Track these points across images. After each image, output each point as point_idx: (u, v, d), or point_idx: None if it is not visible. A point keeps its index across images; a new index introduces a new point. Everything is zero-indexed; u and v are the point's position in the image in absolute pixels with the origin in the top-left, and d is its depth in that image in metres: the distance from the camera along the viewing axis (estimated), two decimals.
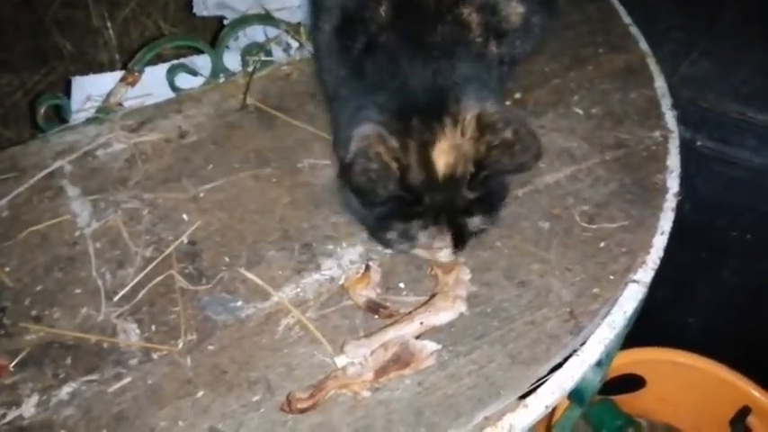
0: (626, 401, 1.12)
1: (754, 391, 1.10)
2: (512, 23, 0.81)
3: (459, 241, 0.72)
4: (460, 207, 0.71)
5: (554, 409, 0.81)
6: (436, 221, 0.71)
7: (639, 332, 0.80)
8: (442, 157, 0.69)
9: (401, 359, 0.65)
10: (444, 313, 0.68)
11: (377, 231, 0.74)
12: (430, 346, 0.66)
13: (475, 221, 0.72)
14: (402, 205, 0.70)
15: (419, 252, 0.74)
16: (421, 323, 0.67)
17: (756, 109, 1.06)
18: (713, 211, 1.15)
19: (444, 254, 0.72)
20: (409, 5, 0.76)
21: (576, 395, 0.77)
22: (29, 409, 0.65)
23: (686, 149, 0.86)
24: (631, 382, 1.18)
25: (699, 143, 1.10)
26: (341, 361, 0.65)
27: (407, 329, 0.67)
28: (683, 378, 1.14)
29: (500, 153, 0.68)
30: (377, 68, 0.74)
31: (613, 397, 1.11)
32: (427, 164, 0.69)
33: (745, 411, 1.11)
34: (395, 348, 0.65)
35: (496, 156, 0.68)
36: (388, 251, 0.76)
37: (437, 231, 0.71)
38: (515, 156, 0.68)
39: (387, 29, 0.75)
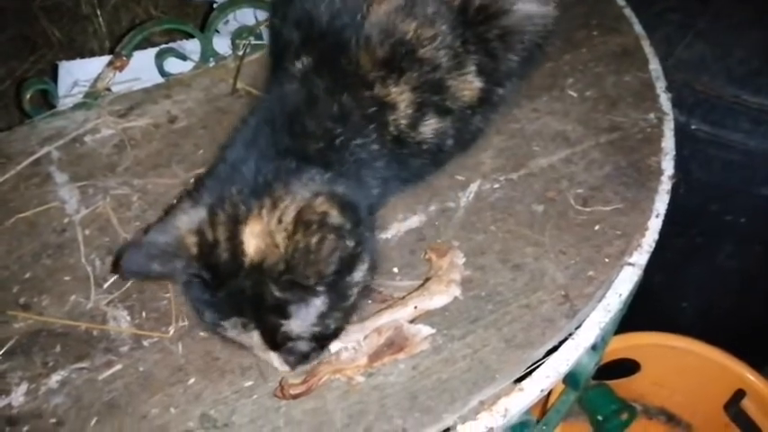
0: (620, 386, 1.12)
1: (749, 375, 1.10)
2: (462, 101, 0.72)
3: (273, 344, 0.63)
4: (270, 304, 0.61)
5: (549, 394, 0.80)
6: (240, 313, 0.62)
7: (633, 317, 0.80)
8: (252, 241, 0.61)
9: (395, 344, 0.64)
10: (438, 297, 0.68)
11: (198, 313, 0.66)
12: (424, 330, 0.65)
13: (292, 325, 0.62)
14: (203, 287, 0.62)
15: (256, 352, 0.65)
16: (415, 307, 0.67)
17: (751, 92, 1.06)
18: (707, 195, 1.14)
19: (275, 360, 0.63)
20: (329, 66, 0.69)
21: (571, 379, 0.77)
22: (18, 397, 0.64)
23: (680, 133, 0.86)
24: (626, 367, 1.18)
25: (693, 126, 1.09)
26: (334, 346, 0.65)
27: (401, 314, 0.66)
28: (678, 362, 1.14)
29: (300, 258, 0.59)
30: (249, 124, 0.69)
31: (608, 382, 1.10)
32: (235, 244, 0.61)
33: (739, 395, 1.11)
34: (389, 333, 0.65)
35: (296, 260, 0.59)
36: (382, 236, 0.75)
37: (241, 324, 0.62)
38: (308, 265, 0.58)
39: (296, 83, 0.69)
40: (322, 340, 0.64)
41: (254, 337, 0.63)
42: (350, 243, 0.60)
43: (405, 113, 0.69)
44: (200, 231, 0.62)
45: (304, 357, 0.64)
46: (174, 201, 0.79)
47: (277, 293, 0.60)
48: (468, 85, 0.72)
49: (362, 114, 0.68)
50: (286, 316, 0.61)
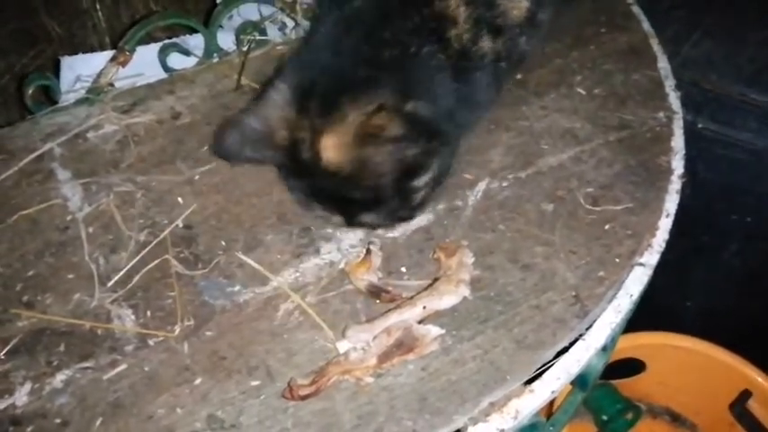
0: (626, 386, 1.11)
1: (755, 375, 1.10)
2: (511, 19, 0.76)
3: (351, 225, 0.72)
4: (347, 199, 0.69)
5: None
6: (322, 201, 0.71)
7: (638, 316, 0.79)
8: (326, 152, 0.66)
9: (404, 344, 0.63)
10: (447, 297, 0.67)
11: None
12: (433, 330, 0.64)
13: (366, 218, 0.71)
14: (289, 174, 0.71)
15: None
16: (424, 308, 0.66)
17: (759, 91, 1.06)
18: (714, 194, 1.14)
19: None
20: None
21: (579, 380, 0.76)
22: (21, 397, 0.63)
23: (688, 132, 0.85)
24: (631, 367, 1.17)
25: (700, 125, 1.09)
26: (343, 346, 0.64)
27: (410, 314, 0.65)
28: (684, 362, 1.14)
29: (358, 169, 0.65)
30: (328, 26, 0.73)
31: (613, 381, 1.10)
32: (315, 149, 0.67)
33: (745, 395, 1.11)
34: (398, 333, 0.64)
35: (356, 170, 0.66)
36: (389, 235, 0.75)
37: (323, 209, 0.71)
38: (368, 175, 0.66)
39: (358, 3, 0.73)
40: (393, 223, 0.73)
41: (335, 218, 0.71)
42: (411, 151, 0.65)
43: (464, 27, 0.73)
44: (290, 127, 0.67)
45: (374, 227, 0.73)
46: (179, 198, 0.78)
47: (351, 194, 0.68)
48: (518, 4, 0.76)
49: (430, 28, 0.71)
50: (361, 209, 0.70)
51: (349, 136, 0.66)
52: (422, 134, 0.66)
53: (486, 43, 0.74)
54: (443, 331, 0.65)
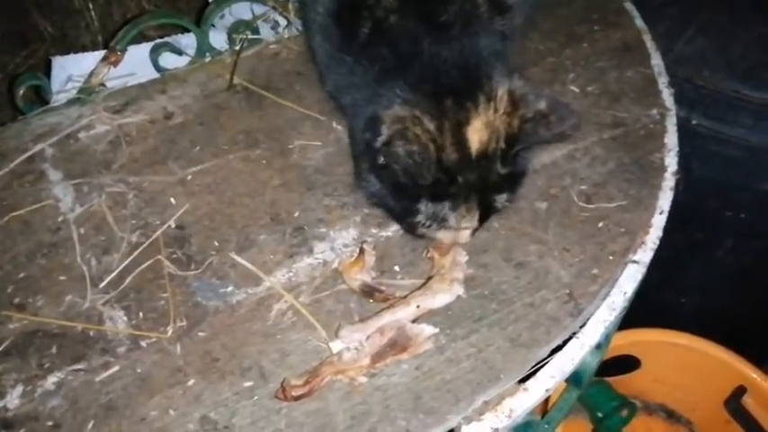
0: (621, 383, 1.11)
1: (750, 371, 1.10)
2: None
3: (485, 219, 0.71)
4: (491, 184, 0.69)
5: None
6: (467, 200, 0.69)
7: (632, 312, 0.79)
8: (476, 136, 0.67)
9: (398, 344, 0.63)
10: (441, 296, 0.67)
11: (404, 217, 0.72)
12: (427, 329, 0.64)
13: (502, 198, 0.71)
14: (436, 187, 0.68)
15: (441, 236, 0.71)
16: (417, 306, 0.66)
17: (752, 87, 1.05)
18: (708, 191, 1.14)
19: (466, 235, 0.71)
20: None
21: (574, 378, 0.76)
22: (13, 400, 0.63)
23: (681, 128, 0.85)
24: (626, 364, 1.17)
25: (694, 122, 1.08)
26: (336, 346, 0.63)
27: (404, 313, 0.65)
28: (679, 359, 1.14)
29: (535, 125, 0.67)
30: (394, 52, 0.71)
31: (608, 378, 1.10)
32: (461, 143, 0.67)
33: (740, 391, 1.11)
34: (391, 333, 0.63)
35: (531, 128, 0.67)
36: (383, 234, 0.74)
37: (467, 211, 0.69)
38: (552, 126, 0.67)
39: (395, 11, 0.72)
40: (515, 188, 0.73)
41: (474, 218, 0.70)
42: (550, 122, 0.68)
43: (484, 8, 0.75)
44: (434, 138, 0.67)
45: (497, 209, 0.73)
46: (171, 199, 0.77)
47: (500, 170, 0.69)
48: None
49: (482, 21, 0.74)
50: (502, 190, 0.70)
51: (499, 111, 0.68)
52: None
53: (497, 24, 0.76)
54: (437, 330, 0.65)
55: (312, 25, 0.83)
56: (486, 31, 0.73)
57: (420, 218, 0.70)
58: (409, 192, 0.69)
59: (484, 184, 0.69)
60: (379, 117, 0.68)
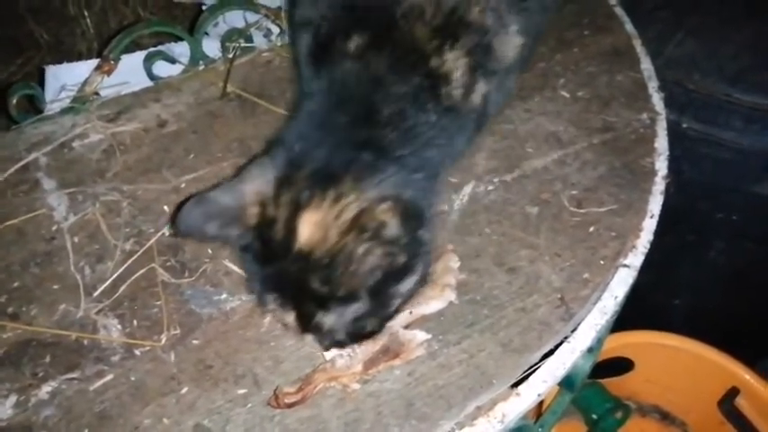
0: (614, 384, 1.12)
1: (743, 373, 1.10)
2: (505, 61, 0.74)
3: (305, 329, 0.63)
4: (309, 293, 0.61)
5: None
6: (281, 292, 0.62)
7: (625, 315, 0.80)
8: (307, 229, 0.60)
9: (390, 350, 0.64)
10: (433, 302, 0.67)
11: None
12: (419, 335, 0.65)
13: (328, 319, 0.61)
14: (253, 257, 0.63)
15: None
16: (410, 312, 0.66)
17: (742, 90, 1.06)
18: (699, 193, 1.15)
19: (309, 339, 0.64)
20: (385, 42, 0.68)
21: (566, 381, 0.76)
22: (6, 410, 0.63)
23: (672, 132, 0.85)
24: (619, 365, 1.18)
25: (685, 125, 1.09)
26: (329, 353, 0.64)
27: (396, 319, 0.65)
28: (672, 360, 1.14)
29: (343, 262, 0.58)
30: (317, 98, 0.68)
31: (602, 380, 1.11)
32: (291, 227, 0.61)
33: (733, 393, 1.11)
34: (384, 339, 0.64)
35: (339, 263, 0.58)
36: None
37: (280, 303, 0.63)
38: (349, 274, 0.58)
39: (352, 63, 0.68)
40: (356, 338, 0.63)
41: (290, 317, 0.63)
42: (401, 258, 0.59)
43: (459, 82, 0.69)
44: (264, 204, 0.62)
45: (338, 344, 0.64)
46: (165, 207, 0.78)
47: (317, 286, 0.60)
48: (512, 43, 0.73)
49: (423, 88, 0.67)
50: (323, 308, 0.61)
51: (340, 220, 0.60)
52: (414, 231, 0.61)
53: (478, 93, 0.71)
54: (429, 336, 0.65)
55: (299, 52, 0.80)
56: (427, 119, 0.67)
57: (254, 287, 0.65)
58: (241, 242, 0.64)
59: (300, 286, 0.61)
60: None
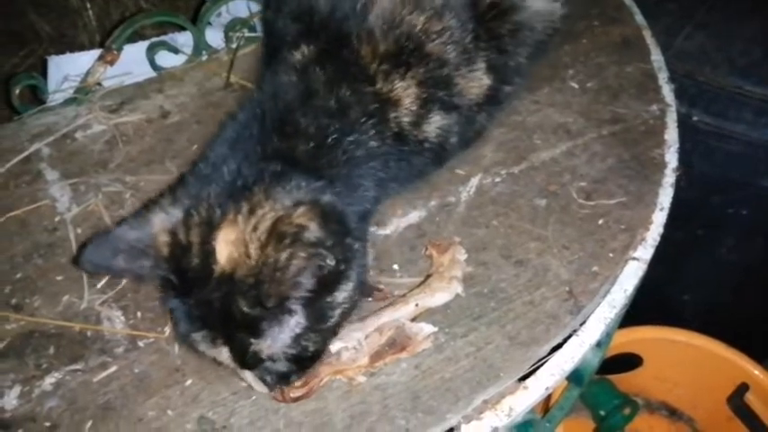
0: (623, 380, 1.11)
1: (752, 369, 1.09)
2: (469, 98, 0.71)
3: (243, 363, 0.58)
4: (240, 320, 0.56)
5: None
6: (208, 326, 0.57)
7: (634, 311, 0.79)
8: (225, 249, 0.56)
9: (397, 343, 0.63)
10: (440, 294, 0.66)
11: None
12: (426, 328, 0.64)
13: (264, 345, 0.57)
14: (172, 291, 0.59)
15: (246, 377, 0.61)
16: (416, 305, 0.65)
17: (753, 82, 1.05)
18: (709, 187, 1.13)
19: (249, 378, 0.60)
20: (331, 59, 0.66)
21: (575, 376, 0.75)
22: (11, 401, 0.63)
23: (682, 125, 0.84)
24: (628, 361, 1.17)
25: (695, 118, 1.08)
26: (334, 346, 0.63)
27: (402, 312, 0.65)
28: (681, 356, 1.13)
29: (266, 274, 0.54)
30: (236, 119, 0.65)
31: (610, 376, 1.10)
32: (207, 250, 0.56)
33: (743, 388, 1.10)
34: (390, 332, 0.63)
35: (264, 275, 0.54)
36: (381, 232, 0.74)
37: (211, 338, 0.58)
38: (276, 283, 0.53)
39: (291, 75, 0.66)
40: (300, 362, 0.59)
41: (224, 354, 0.58)
42: (329, 261, 0.54)
43: (408, 110, 0.67)
44: (173, 232, 0.58)
45: (283, 377, 0.59)
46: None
47: (246, 309, 0.55)
48: (478, 82, 0.70)
49: (362, 110, 0.65)
50: (256, 334, 0.56)
51: (257, 231, 0.55)
52: (340, 235, 0.57)
53: (433, 125, 0.68)
54: (436, 329, 0.65)
55: None
56: (306, 140, 0.62)
57: (180, 327, 0.60)
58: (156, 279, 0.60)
59: (228, 315, 0.56)
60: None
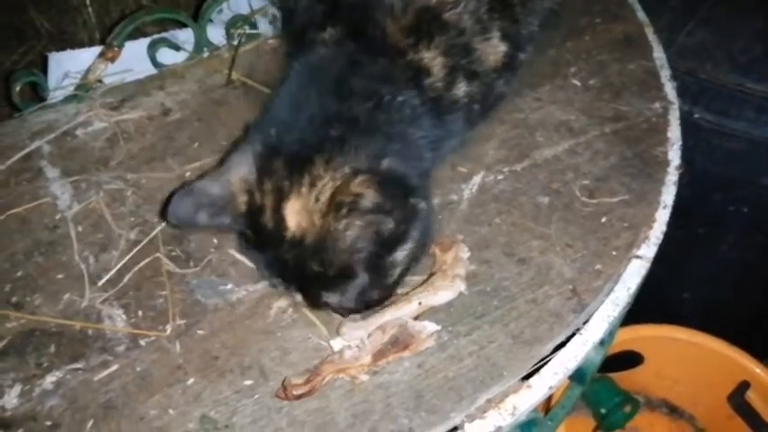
0: (624, 378, 1.11)
1: (753, 367, 1.09)
2: (488, 64, 0.73)
3: (315, 306, 0.65)
4: (311, 278, 0.62)
5: None
6: (284, 278, 0.64)
7: (635, 309, 0.79)
8: (293, 217, 0.61)
9: (399, 341, 0.63)
10: (443, 293, 0.66)
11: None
12: (429, 327, 0.63)
13: (332, 298, 0.63)
14: (249, 243, 0.64)
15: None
16: (419, 304, 0.65)
17: (755, 80, 1.04)
18: (710, 185, 1.13)
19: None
20: (361, 35, 0.69)
21: (577, 374, 0.75)
22: (11, 400, 0.62)
23: (683, 122, 0.84)
24: (629, 359, 1.17)
25: (696, 115, 1.08)
26: (337, 344, 0.63)
27: (405, 311, 0.64)
28: (682, 354, 1.13)
29: (330, 242, 0.59)
30: (291, 80, 0.68)
31: (611, 374, 1.10)
32: (279, 217, 0.61)
33: (743, 387, 1.10)
34: (393, 330, 0.63)
35: (325, 244, 0.59)
36: None
37: (284, 287, 0.65)
38: (331, 252, 0.59)
39: (328, 48, 0.69)
40: (367, 305, 0.64)
41: (298, 297, 0.64)
42: (388, 226, 0.59)
43: (439, 77, 0.69)
44: (251, 192, 0.62)
45: (353, 311, 0.64)
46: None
47: (316, 269, 0.61)
48: (494, 49, 0.73)
49: (403, 77, 0.68)
50: (327, 288, 0.62)
51: (319, 202, 0.60)
52: (400, 198, 0.61)
53: (460, 89, 0.71)
54: (439, 328, 0.64)
55: None
56: (362, 101, 0.65)
57: (259, 269, 0.66)
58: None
59: (301, 273, 0.62)
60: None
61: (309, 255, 0.61)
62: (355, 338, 0.63)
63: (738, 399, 1.10)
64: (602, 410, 1.04)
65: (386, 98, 0.66)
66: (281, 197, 0.61)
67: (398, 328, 0.63)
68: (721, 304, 1.25)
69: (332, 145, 0.62)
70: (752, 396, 1.10)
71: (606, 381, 1.06)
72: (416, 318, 0.65)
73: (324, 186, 0.60)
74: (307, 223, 0.60)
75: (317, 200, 0.60)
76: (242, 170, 0.64)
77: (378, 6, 0.69)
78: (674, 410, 1.22)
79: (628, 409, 1.05)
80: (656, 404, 1.23)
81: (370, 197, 0.58)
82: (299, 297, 0.65)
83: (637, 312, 0.82)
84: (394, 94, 0.66)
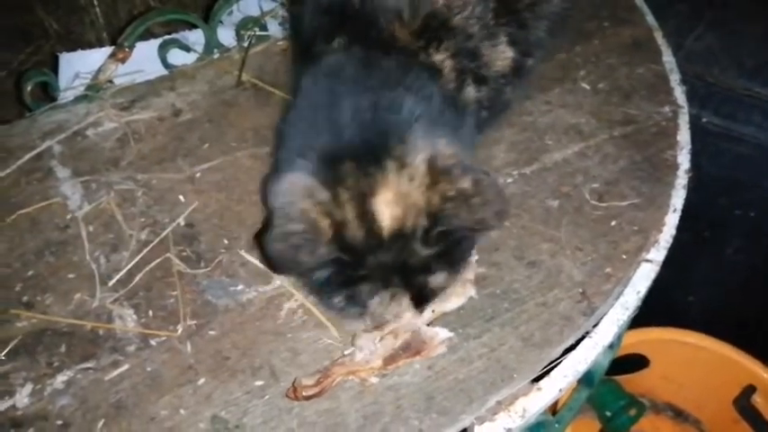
0: (629, 381, 1.11)
1: (759, 370, 1.09)
2: (495, 70, 0.73)
3: (421, 302, 0.63)
4: (417, 265, 0.61)
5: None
6: (387, 284, 0.61)
7: (641, 312, 0.79)
8: (387, 210, 0.59)
9: (411, 346, 0.63)
10: (455, 299, 0.66)
11: (322, 297, 0.64)
12: (442, 333, 0.64)
13: (438, 279, 0.62)
14: (342, 269, 0.60)
15: (375, 320, 0.63)
16: (432, 311, 0.65)
17: (762, 84, 1.05)
18: (717, 189, 1.13)
19: (407, 318, 0.63)
20: (371, 41, 0.68)
21: (585, 377, 0.75)
22: (22, 399, 0.63)
23: (692, 126, 0.84)
24: (635, 362, 1.17)
25: (704, 120, 1.08)
26: (349, 348, 0.63)
27: (419, 317, 0.64)
28: (687, 357, 1.13)
29: (456, 206, 0.59)
30: (317, 101, 0.66)
31: (617, 377, 1.10)
32: (368, 218, 0.59)
33: (749, 390, 1.10)
34: (405, 336, 0.63)
35: (451, 209, 0.59)
36: None
37: (390, 296, 0.61)
38: (474, 210, 0.58)
39: (339, 54, 0.68)
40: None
41: (404, 303, 0.62)
42: (479, 198, 0.59)
43: (450, 78, 0.70)
44: (329, 212, 0.59)
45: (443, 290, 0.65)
46: (180, 197, 0.77)
47: (424, 251, 0.60)
48: (501, 54, 0.73)
49: (424, 75, 0.67)
50: (433, 270, 0.61)
51: (415, 180, 0.59)
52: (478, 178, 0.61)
53: (470, 93, 0.71)
54: (452, 334, 0.64)
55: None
56: (428, 90, 0.66)
57: (338, 300, 0.62)
58: (316, 273, 0.61)
59: (406, 266, 0.60)
60: (274, 186, 0.61)
61: (414, 238, 0.59)
62: (367, 342, 0.63)
63: (744, 402, 1.11)
64: (608, 413, 1.04)
65: (427, 90, 0.66)
66: (365, 197, 0.59)
67: (411, 335, 0.63)
68: (727, 308, 1.26)
69: (398, 126, 0.61)
70: (758, 400, 1.10)
71: (612, 383, 1.06)
72: (429, 324, 0.65)
73: (413, 163, 0.59)
74: (405, 207, 0.59)
75: (411, 179, 0.59)
76: (309, 197, 0.60)
77: (386, 13, 0.69)
78: (679, 414, 1.22)
79: (633, 412, 1.05)
80: (662, 407, 1.23)
81: (465, 180, 0.59)
82: (404, 303, 0.62)
83: (643, 315, 0.82)
84: (424, 85, 0.66)
